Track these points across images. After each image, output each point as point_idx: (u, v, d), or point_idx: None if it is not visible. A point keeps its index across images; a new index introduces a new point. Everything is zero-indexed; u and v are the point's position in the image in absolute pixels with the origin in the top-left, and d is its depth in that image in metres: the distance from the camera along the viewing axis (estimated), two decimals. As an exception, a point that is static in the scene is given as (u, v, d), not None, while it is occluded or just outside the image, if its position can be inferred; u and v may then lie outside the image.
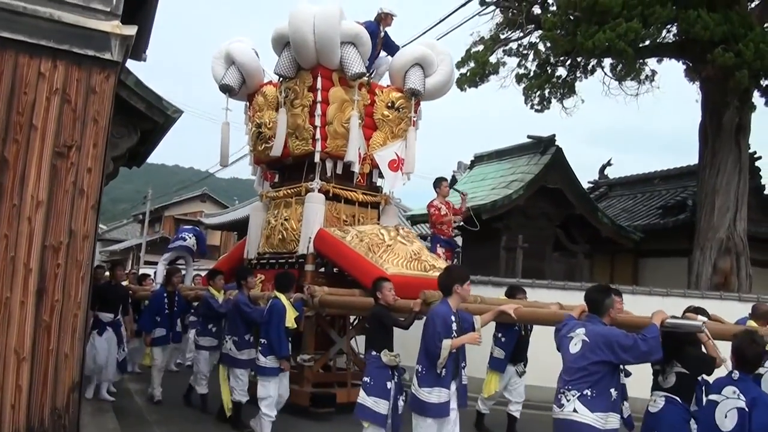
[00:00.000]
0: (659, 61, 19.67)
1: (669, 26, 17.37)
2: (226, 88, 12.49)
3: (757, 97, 18.03)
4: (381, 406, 7.15)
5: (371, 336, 7.72)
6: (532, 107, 19.65)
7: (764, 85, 17.30)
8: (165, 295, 11.93)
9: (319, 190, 11.65)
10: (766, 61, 15.09)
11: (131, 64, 8.44)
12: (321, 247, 11.35)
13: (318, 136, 11.56)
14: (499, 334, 10.17)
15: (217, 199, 50.66)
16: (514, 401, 10.31)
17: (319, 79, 11.54)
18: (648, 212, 22.45)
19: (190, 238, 15.23)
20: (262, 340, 9.15)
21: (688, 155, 42.90)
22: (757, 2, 17.75)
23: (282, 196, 12.34)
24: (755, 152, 19.73)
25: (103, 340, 10.83)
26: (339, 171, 11.95)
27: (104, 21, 6.88)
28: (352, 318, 12.37)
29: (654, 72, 20.28)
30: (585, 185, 21.92)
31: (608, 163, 26.48)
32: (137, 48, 8.30)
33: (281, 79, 12.18)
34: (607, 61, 18.95)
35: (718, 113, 17.74)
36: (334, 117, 11.71)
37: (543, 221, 19.19)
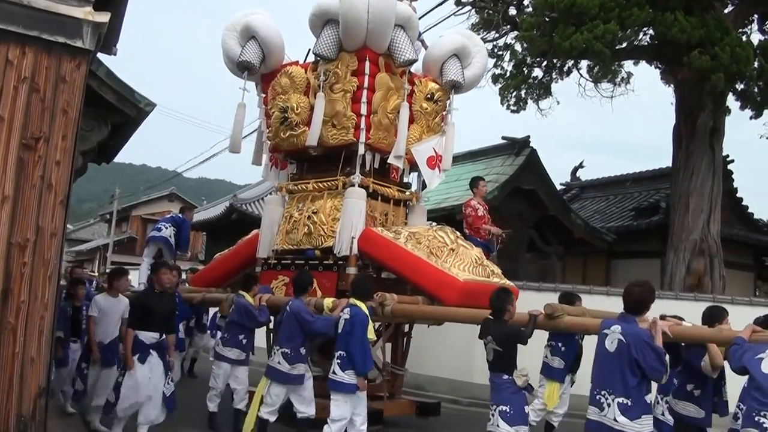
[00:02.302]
0: (635, 64, 19.02)
1: (645, 29, 16.57)
2: (244, 66, 10.37)
3: (731, 101, 17.43)
4: None
5: (504, 358, 6.78)
6: (508, 108, 18.98)
7: (739, 89, 16.55)
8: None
9: (360, 185, 9.91)
10: (741, 65, 14.58)
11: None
12: (368, 249, 9.57)
13: (363, 125, 9.79)
14: (559, 344, 9.30)
15: (185, 199, 47.25)
16: (558, 410, 9.52)
17: (367, 63, 9.78)
18: (621, 214, 21.58)
19: (167, 227, 12.40)
20: (341, 353, 7.80)
21: (659, 159, 42.94)
22: (731, 7, 17.20)
23: (311, 189, 10.37)
24: (728, 155, 19.11)
25: (145, 368, 7.84)
26: (376, 165, 10.26)
27: (76, 7, 6.17)
28: (377, 324, 10.31)
29: (630, 74, 19.63)
30: (557, 187, 21.31)
31: (580, 165, 25.57)
32: (107, 40, 7.36)
33: (317, 60, 10.28)
34: (584, 63, 18.41)
35: (692, 116, 17.18)
36: (378, 106, 9.94)
37: (517, 222, 18.05)
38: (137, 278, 12.57)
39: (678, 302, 12.51)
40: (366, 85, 9.80)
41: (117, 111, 7.97)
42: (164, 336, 8.15)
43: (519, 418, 6.60)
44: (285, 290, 9.94)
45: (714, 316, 6.99)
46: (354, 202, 9.75)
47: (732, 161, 19.52)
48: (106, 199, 50.25)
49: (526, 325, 7.06)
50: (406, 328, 10.56)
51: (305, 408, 8.67)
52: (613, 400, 5.58)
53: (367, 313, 7.95)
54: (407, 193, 10.94)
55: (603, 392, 5.68)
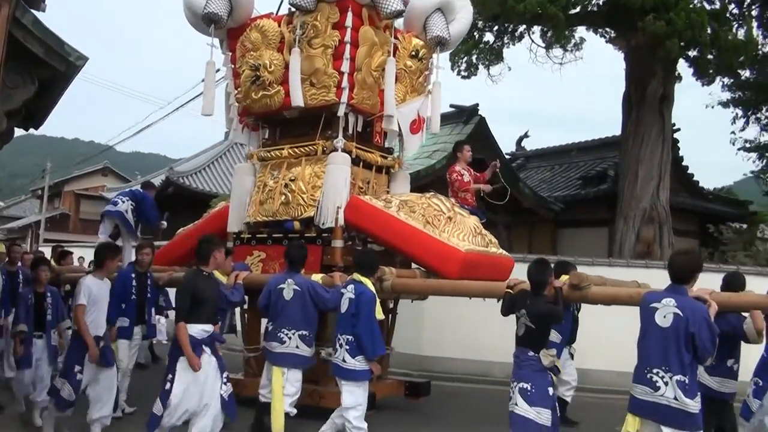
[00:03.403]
0: (588, 30, 18.23)
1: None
2: (210, 18, 8.87)
3: (684, 69, 16.88)
4: (545, 416, 5.61)
5: (535, 336, 5.89)
6: (458, 74, 18.11)
7: (692, 56, 16.00)
8: (134, 276, 8.45)
9: (342, 150, 8.60)
10: (696, 31, 13.97)
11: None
12: (356, 219, 8.34)
13: (345, 84, 8.45)
14: None
15: (119, 173, 45.24)
16: (567, 383, 8.69)
17: (349, 14, 8.44)
18: (567, 183, 20.81)
19: (124, 201, 10.27)
20: (348, 337, 6.67)
21: (604, 130, 42.78)
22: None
23: (286, 155, 8.96)
24: (674, 124, 18.60)
25: (201, 373, 6.05)
26: (359, 128, 8.96)
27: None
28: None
29: (583, 39, 18.94)
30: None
31: (525, 135, 24.62)
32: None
33: (292, 11, 8.91)
34: (537, 28, 17.65)
35: (643, 84, 16.48)
36: (362, 63, 8.58)
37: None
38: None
39: (629, 270, 11.77)
40: (348, 39, 8.45)
41: (45, 65, 6.98)
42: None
43: (541, 399, 5.68)
44: (262, 266, 8.62)
45: (736, 284, 6.54)
46: (337, 168, 8.46)
47: (678, 130, 18.91)
48: (38, 174, 46.71)
49: (555, 300, 6.09)
50: (391, 304, 9.31)
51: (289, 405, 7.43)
52: (671, 379, 4.95)
53: (374, 290, 6.81)
54: (390, 158, 9.59)
55: (656, 370, 5.02)
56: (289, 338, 7.18)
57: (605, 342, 10.80)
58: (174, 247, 10.33)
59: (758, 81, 18.33)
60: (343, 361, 6.68)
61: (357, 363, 6.63)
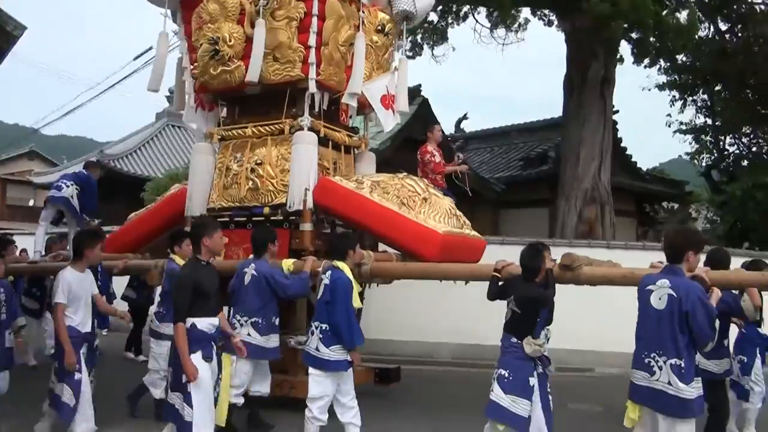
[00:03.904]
0: (533, 12, 18.03)
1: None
2: None
3: (627, 51, 16.88)
4: (520, 406, 5.26)
5: (520, 321, 5.52)
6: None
7: (635, 38, 15.97)
8: None
9: (310, 128, 7.94)
10: (641, 13, 13.71)
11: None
12: (326, 201, 7.75)
13: (312, 59, 7.80)
14: None
15: (46, 157, 43.23)
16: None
17: None
18: (508, 165, 20.57)
19: (68, 186, 9.51)
20: (323, 325, 6.12)
21: (543, 113, 42.96)
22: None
23: (249, 135, 8.25)
24: (613, 106, 18.56)
25: (213, 367, 5.53)
26: (325, 106, 8.25)
27: None
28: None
29: (527, 20, 18.66)
30: (443, 139, 20.09)
31: (464, 117, 24.32)
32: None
33: None
34: (481, 9, 17.35)
35: (584, 66, 16.25)
36: (329, 37, 7.94)
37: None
38: (32, 246, 10.06)
39: (572, 249, 10.95)
40: (315, 11, 7.80)
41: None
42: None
43: (517, 388, 5.32)
44: (224, 252, 7.88)
45: (723, 261, 6.21)
46: (304, 148, 7.83)
47: (617, 112, 18.82)
48: None
49: (545, 282, 5.69)
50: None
51: (262, 386, 7.01)
52: (665, 362, 4.73)
53: (351, 276, 6.25)
54: (356, 138, 9.00)
55: (652, 354, 4.81)
56: (241, 325, 6.70)
57: (555, 320, 10.45)
58: (126, 232, 9.45)
59: (695, 65, 18.38)
60: (316, 349, 6.14)
61: (332, 353, 6.08)
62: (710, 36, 18.88)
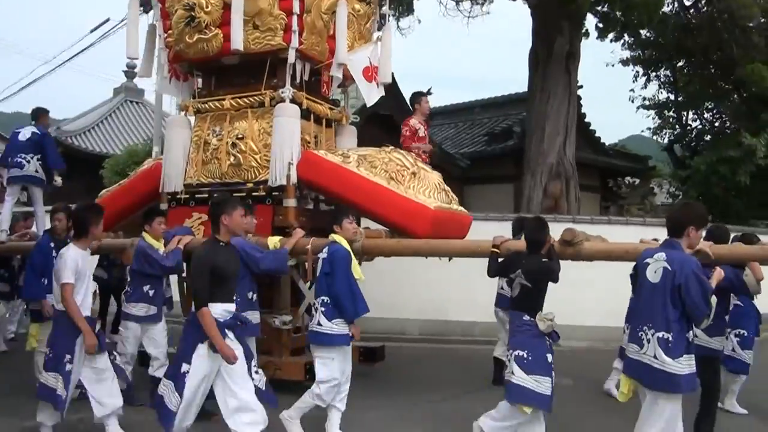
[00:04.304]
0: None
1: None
2: None
3: (593, 25, 16.59)
4: (544, 385, 5.03)
5: (530, 295, 5.26)
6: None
7: (601, 11, 15.72)
8: (53, 246, 7.02)
9: (292, 100, 7.47)
10: (609, -15, 13.12)
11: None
12: (311, 176, 7.33)
13: (295, 26, 7.30)
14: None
15: (3, 135, 41.98)
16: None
17: None
18: (472, 140, 20.18)
19: (30, 160, 8.64)
20: (323, 298, 5.73)
21: (505, 88, 42.66)
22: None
23: (228, 107, 7.73)
24: (577, 81, 18.35)
25: (205, 370, 4.95)
26: (306, 77, 7.80)
27: None
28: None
29: (493, -8, 18.07)
30: (405, 116, 19.68)
31: (428, 92, 24.09)
32: None
33: None
34: None
35: (549, 40, 15.85)
36: (311, 4, 7.49)
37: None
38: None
39: None
40: (298, -24, 7.29)
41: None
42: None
43: (539, 366, 5.09)
44: (203, 229, 7.46)
45: (722, 236, 6.09)
46: (286, 121, 7.38)
47: (581, 87, 18.55)
48: None
49: (549, 257, 5.45)
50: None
51: None
52: (653, 335, 4.58)
53: (349, 248, 5.91)
54: (336, 111, 8.54)
55: (644, 328, 4.66)
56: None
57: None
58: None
59: (658, 40, 18.23)
60: (318, 324, 5.76)
61: (334, 326, 5.70)
62: (674, 11, 18.72)
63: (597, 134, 20.09)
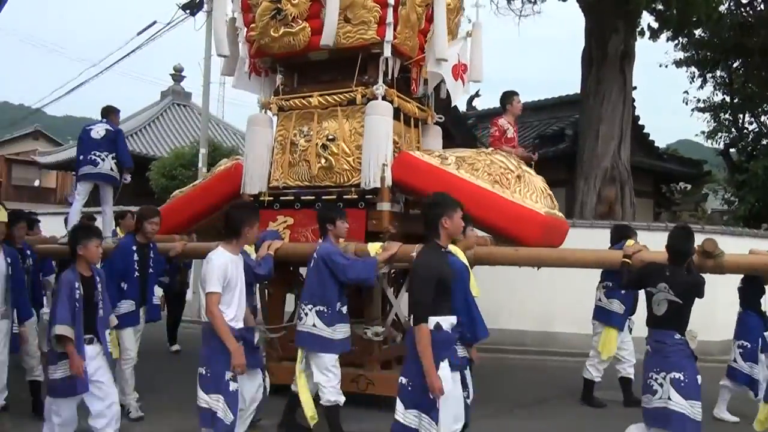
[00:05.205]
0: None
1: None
2: None
3: (650, 22, 15.65)
4: (697, 410, 4.45)
5: (681, 313, 4.63)
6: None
7: (657, 9, 14.86)
8: (135, 248, 6.47)
9: (384, 98, 6.75)
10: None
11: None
12: (408, 178, 6.60)
13: (390, 19, 6.55)
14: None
15: (51, 137, 40.79)
16: (628, 360, 7.32)
17: None
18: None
19: (104, 158, 7.85)
20: None
21: (549, 90, 41.87)
22: None
23: (315, 105, 7.01)
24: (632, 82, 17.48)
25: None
26: (396, 74, 7.02)
27: None
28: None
29: (546, -9, 17.24)
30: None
31: (476, 95, 23.07)
32: None
33: None
34: None
35: (604, 40, 14.94)
36: None
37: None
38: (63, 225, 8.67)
39: (593, 230, 10.67)
40: (394, -35, 6.57)
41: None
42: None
43: (694, 390, 4.49)
44: (290, 234, 6.78)
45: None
46: (379, 120, 6.65)
47: (635, 88, 17.62)
48: None
49: (689, 270, 4.77)
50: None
51: (333, 393, 5.69)
52: None
53: (465, 261, 5.09)
54: (426, 111, 7.83)
55: None
56: (306, 314, 5.68)
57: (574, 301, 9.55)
58: (173, 210, 8.07)
59: (713, 40, 17.22)
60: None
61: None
62: (729, 9, 17.66)
63: (650, 137, 19.04)
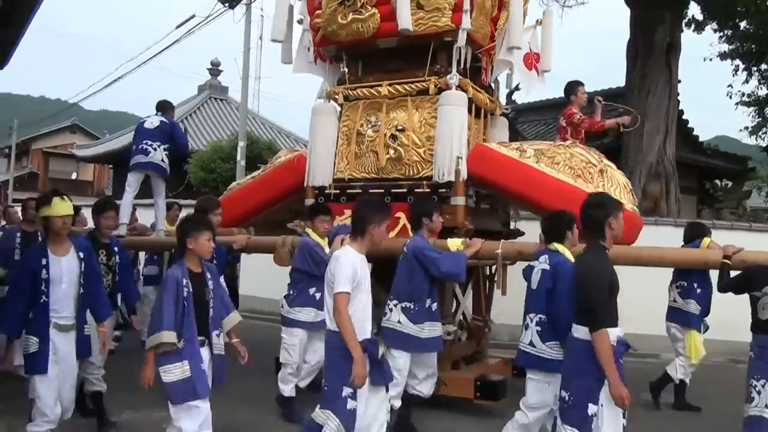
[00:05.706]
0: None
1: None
2: None
3: (694, 14, 15.17)
4: None
5: None
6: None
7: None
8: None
9: (458, 87, 6.34)
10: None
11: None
12: (484, 172, 6.21)
13: (467, 5, 6.11)
14: (694, 284, 6.64)
15: (88, 131, 40.46)
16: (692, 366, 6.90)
17: None
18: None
19: (156, 148, 7.65)
20: (540, 316, 4.68)
21: (593, 83, 41.18)
22: None
23: (384, 94, 6.58)
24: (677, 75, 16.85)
25: None
26: (468, 62, 6.57)
27: None
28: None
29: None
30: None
31: (516, 88, 22.64)
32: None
33: None
34: None
35: (649, 32, 14.39)
36: None
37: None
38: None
39: None
40: (468, -52, 6.15)
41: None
42: None
43: None
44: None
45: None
46: (454, 110, 6.25)
47: (679, 81, 16.99)
48: (5, 132, 41.93)
49: None
50: (488, 270, 7.22)
51: (423, 385, 5.59)
52: None
53: (572, 260, 4.68)
54: (494, 102, 7.45)
55: None
56: (390, 310, 5.42)
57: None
58: (231, 203, 7.54)
59: (758, 32, 16.51)
60: (530, 344, 4.74)
61: (548, 349, 4.65)
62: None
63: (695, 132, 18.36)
